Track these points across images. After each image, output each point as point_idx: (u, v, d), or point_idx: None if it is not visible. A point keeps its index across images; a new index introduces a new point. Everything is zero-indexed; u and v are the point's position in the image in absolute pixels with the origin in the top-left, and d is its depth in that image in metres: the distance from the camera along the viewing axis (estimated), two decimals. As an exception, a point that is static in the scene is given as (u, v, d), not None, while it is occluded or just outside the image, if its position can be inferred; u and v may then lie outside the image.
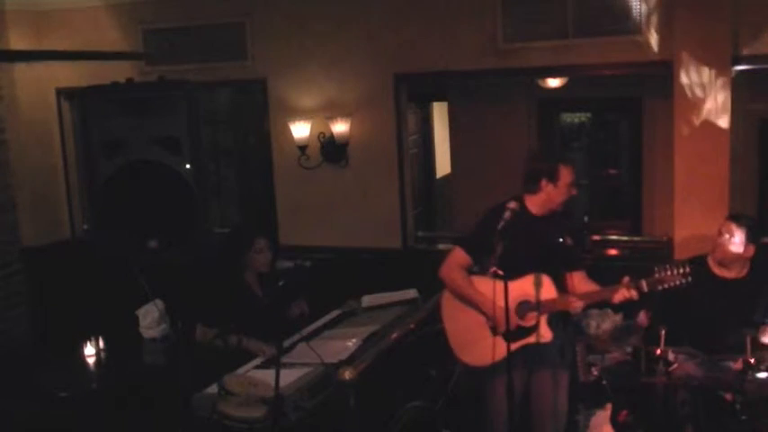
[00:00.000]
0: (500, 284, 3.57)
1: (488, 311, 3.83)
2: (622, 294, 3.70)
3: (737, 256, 4.15)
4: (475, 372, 4.00)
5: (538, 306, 3.71)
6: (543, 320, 3.77)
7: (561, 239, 3.81)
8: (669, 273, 3.64)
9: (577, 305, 3.78)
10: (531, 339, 3.78)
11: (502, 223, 3.57)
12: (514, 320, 3.76)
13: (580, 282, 3.87)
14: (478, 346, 3.90)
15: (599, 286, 3.87)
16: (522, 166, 3.96)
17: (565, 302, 3.77)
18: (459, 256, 3.95)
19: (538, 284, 3.73)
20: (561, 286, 3.82)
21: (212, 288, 4.43)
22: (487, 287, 3.77)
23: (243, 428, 3.43)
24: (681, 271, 3.62)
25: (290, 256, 4.15)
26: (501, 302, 3.62)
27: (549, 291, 3.74)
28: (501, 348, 3.70)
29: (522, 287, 3.75)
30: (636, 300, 3.74)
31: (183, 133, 4.55)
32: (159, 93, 4.69)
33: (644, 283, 3.67)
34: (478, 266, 3.95)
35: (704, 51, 4.90)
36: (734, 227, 4.14)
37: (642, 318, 4.17)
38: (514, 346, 3.75)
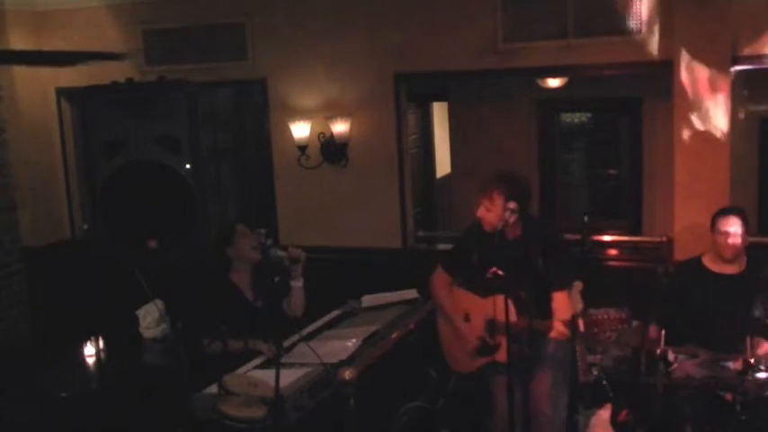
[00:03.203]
0: (478, 300, 3.88)
1: (458, 328, 3.99)
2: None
3: (740, 248, 4.20)
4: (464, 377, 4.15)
5: (507, 327, 3.59)
6: (503, 342, 3.70)
7: (532, 260, 3.72)
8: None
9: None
10: (498, 357, 3.80)
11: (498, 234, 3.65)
12: (474, 338, 3.89)
13: (559, 302, 3.72)
14: (459, 354, 4.05)
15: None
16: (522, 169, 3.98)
17: (530, 326, 3.71)
18: (438, 274, 4.11)
19: (504, 305, 3.59)
20: (545, 308, 3.73)
21: (203, 294, 4.32)
22: (469, 301, 3.96)
23: (243, 428, 3.42)
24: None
25: (283, 246, 4.09)
26: (475, 321, 3.91)
27: (510, 313, 3.60)
28: (471, 360, 3.95)
29: (493, 306, 3.74)
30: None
31: (183, 133, 4.56)
32: (159, 93, 4.69)
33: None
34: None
35: (704, 51, 4.89)
36: (734, 220, 4.19)
37: (653, 332, 4.09)
38: (482, 361, 3.90)
